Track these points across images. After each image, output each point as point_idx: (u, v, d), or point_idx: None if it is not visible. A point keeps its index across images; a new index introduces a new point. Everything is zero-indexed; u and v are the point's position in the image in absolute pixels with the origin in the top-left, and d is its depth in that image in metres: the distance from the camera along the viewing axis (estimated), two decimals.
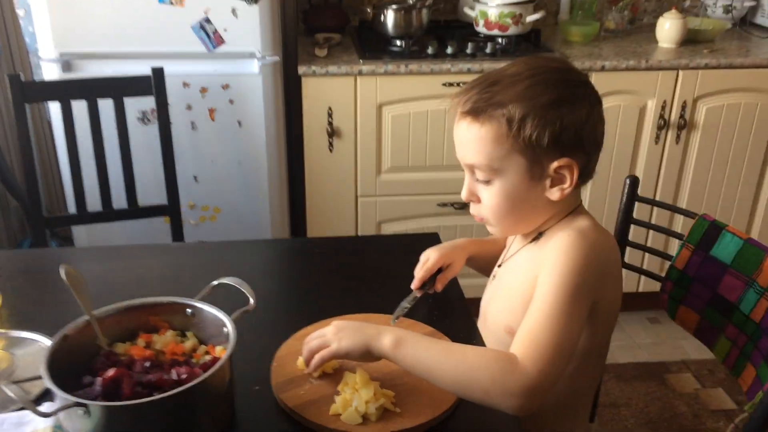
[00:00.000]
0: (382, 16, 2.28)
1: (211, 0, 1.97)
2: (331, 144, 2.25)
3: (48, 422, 0.89)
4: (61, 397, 0.80)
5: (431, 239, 1.41)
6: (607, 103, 2.21)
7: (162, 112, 1.90)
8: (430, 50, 2.24)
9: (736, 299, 1.12)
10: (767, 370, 1.01)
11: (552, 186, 0.98)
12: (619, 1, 2.63)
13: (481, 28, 2.35)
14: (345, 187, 2.32)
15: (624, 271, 1.92)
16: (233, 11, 1.99)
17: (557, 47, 2.39)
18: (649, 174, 2.40)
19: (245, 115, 2.12)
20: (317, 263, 1.37)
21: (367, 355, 0.94)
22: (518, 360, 0.90)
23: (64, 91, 1.85)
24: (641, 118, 2.33)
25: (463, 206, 2.26)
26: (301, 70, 2.15)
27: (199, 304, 0.98)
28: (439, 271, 1.19)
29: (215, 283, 1.01)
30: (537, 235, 1.05)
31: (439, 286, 1.19)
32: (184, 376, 0.87)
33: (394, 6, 2.28)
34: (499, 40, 2.31)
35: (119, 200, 1.95)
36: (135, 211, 1.96)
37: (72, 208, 1.98)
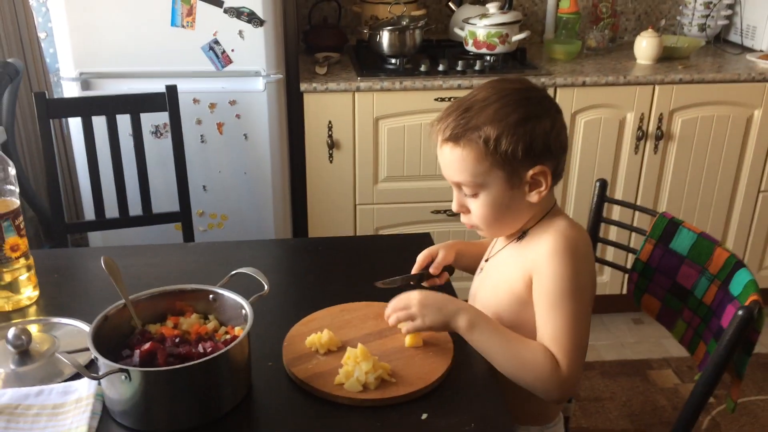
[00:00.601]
0: (378, 36, 2.42)
1: (219, 23, 2.11)
2: (331, 155, 2.39)
3: (91, 390, 1.02)
4: (106, 364, 0.94)
5: (423, 238, 1.55)
6: (588, 116, 2.42)
7: (175, 127, 2.03)
8: (423, 68, 2.39)
9: (690, 286, 1.26)
10: (714, 346, 1.15)
11: (530, 190, 1.12)
12: (600, 21, 2.80)
13: (470, 47, 2.50)
14: (344, 195, 2.45)
15: (609, 272, 2.03)
16: (240, 33, 2.14)
17: (542, 64, 2.54)
18: (630, 181, 2.54)
19: (251, 128, 2.26)
20: (321, 259, 1.50)
21: (445, 330, 1.13)
22: (559, 366, 1.08)
23: (85, 107, 1.98)
24: (621, 130, 2.47)
25: (455, 214, 2.40)
26: (303, 87, 2.29)
27: (220, 291, 1.13)
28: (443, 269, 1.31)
29: (234, 272, 1.15)
30: (521, 234, 1.19)
31: (443, 279, 1.31)
32: (209, 350, 1.02)
33: (389, 27, 2.42)
34: (488, 58, 2.46)
35: (134, 208, 2.08)
36: (149, 217, 2.09)
37: (90, 215, 2.11)
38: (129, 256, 1.49)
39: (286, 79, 2.31)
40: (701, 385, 1.09)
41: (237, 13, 2.10)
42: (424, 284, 1.29)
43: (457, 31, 2.57)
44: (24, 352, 1.12)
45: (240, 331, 1.08)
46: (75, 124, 2.14)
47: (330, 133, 2.35)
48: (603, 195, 1.44)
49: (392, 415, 1.02)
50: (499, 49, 2.45)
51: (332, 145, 2.36)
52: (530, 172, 1.10)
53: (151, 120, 2.17)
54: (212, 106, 2.21)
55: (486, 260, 1.28)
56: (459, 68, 2.41)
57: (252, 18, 2.11)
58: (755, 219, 2.65)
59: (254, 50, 2.16)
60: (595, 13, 2.85)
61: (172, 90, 2.01)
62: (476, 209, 1.15)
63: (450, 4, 2.70)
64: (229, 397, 1.03)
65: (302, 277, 1.45)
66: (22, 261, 1.26)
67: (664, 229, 1.32)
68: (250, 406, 1.05)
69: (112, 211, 2.06)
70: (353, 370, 1.06)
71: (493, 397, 1.06)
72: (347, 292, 1.32)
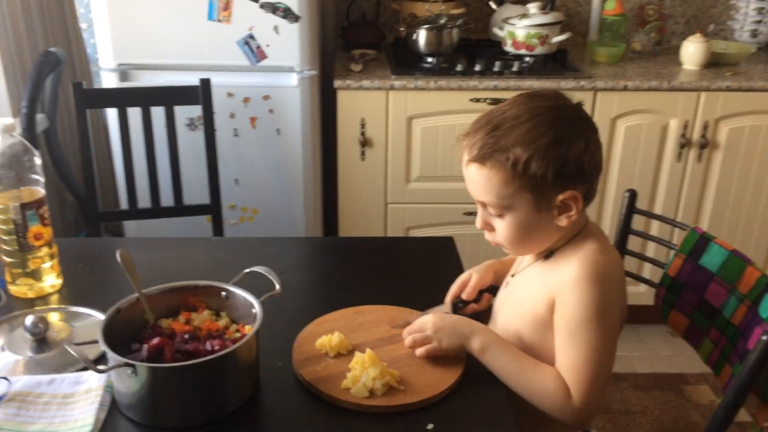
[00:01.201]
0: (415, 34, 2.40)
1: (255, 18, 2.12)
2: (363, 153, 2.38)
3: (101, 382, 1.03)
4: (113, 358, 0.95)
5: (446, 242, 1.53)
6: (630, 122, 2.35)
7: (208, 120, 2.05)
8: (459, 67, 2.36)
9: (719, 305, 1.21)
10: (739, 369, 1.10)
11: (559, 214, 1.08)
12: (646, 24, 2.71)
13: (509, 48, 2.45)
14: (375, 193, 2.44)
15: (643, 285, 2.00)
16: (275, 28, 2.14)
17: (583, 67, 2.48)
18: (671, 190, 2.46)
19: (284, 124, 2.26)
20: (341, 259, 1.49)
21: (460, 352, 1.11)
22: (571, 395, 1.05)
23: (121, 98, 2.01)
24: (663, 137, 2.40)
25: None
26: (337, 83, 2.28)
27: (232, 288, 1.13)
28: (481, 292, 1.27)
29: (247, 270, 1.14)
30: (548, 253, 1.15)
31: (484, 303, 1.27)
32: (217, 347, 1.01)
33: (426, 25, 2.40)
34: (526, 59, 2.42)
35: (167, 198, 2.11)
36: (180, 209, 2.11)
37: (124, 204, 2.15)
38: (154, 249, 1.51)
39: (320, 75, 2.30)
40: (722, 410, 1.04)
41: (273, 8, 2.10)
42: (460, 313, 1.23)
43: (496, 30, 2.53)
44: (41, 340, 1.13)
45: (250, 330, 1.07)
46: (112, 114, 2.18)
47: (363, 130, 2.34)
48: (632, 206, 1.39)
49: (398, 423, 1.01)
50: (539, 50, 2.40)
51: (364, 142, 2.35)
52: (560, 197, 1.06)
53: (186, 112, 2.19)
54: (246, 100, 2.23)
55: (512, 275, 1.25)
56: (496, 69, 2.37)
57: (287, 13, 2.11)
58: None
59: (289, 46, 2.16)
60: (641, 16, 2.77)
61: (205, 83, 2.02)
62: (501, 229, 1.11)
63: (491, 3, 2.66)
64: (235, 395, 1.03)
65: (321, 277, 1.45)
66: (45, 249, 1.28)
67: (695, 244, 1.27)
68: (257, 405, 1.05)
69: (144, 201, 2.10)
70: (360, 375, 1.05)
71: (503, 411, 1.04)
72: (364, 294, 1.31)
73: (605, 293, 1.06)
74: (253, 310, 1.07)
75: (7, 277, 1.29)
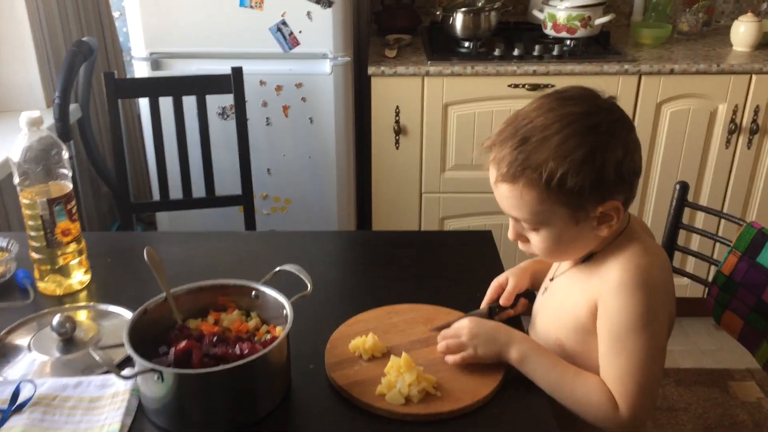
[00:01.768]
0: (451, 18, 2.33)
1: (287, 4, 2.08)
2: (397, 141, 2.32)
3: (127, 386, 1.00)
4: (139, 362, 0.92)
5: (484, 237, 1.47)
6: (676, 107, 2.25)
7: (240, 109, 2.02)
8: (497, 52, 2.28)
9: None
10: None
11: (599, 224, 1.01)
12: (694, 3, 2.59)
13: (549, 31, 2.36)
14: (410, 183, 2.38)
15: (686, 278, 1.93)
16: (308, 14, 2.09)
17: (627, 50, 2.38)
18: (719, 179, 2.36)
19: (317, 112, 2.22)
20: (375, 255, 1.45)
21: (497, 361, 1.05)
22: (618, 406, 0.99)
23: (153, 88, 1.99)
24: (711, 123, 2.29)
25: None
26: (371, 70, 2.22)
27: (262, 288, 1.08)
28: (517, 297, 1.20)
29: (277, 269, 1.10)
30: (588, 255, 1.08)
31: (519, 308, 1.21)
32: (246, 351, 0.97)
33: (463, 8, 2.32)
34: (567, 42, 2.33)
35: (198, 189, 2.09)
36: (212, 199, 2.09)
37: (156, 195, 2.14)
38: (183, 243, 1.48)
39: (355, 61, 2.26)
40: None
41: None
42: (496, 318, 1.18)
43: (536, 13, 2.44)
44: (68, 340, 1.11)
45: (281, 332, 1.03)
46: (144, 104, 2.16)
47: (397, 118, 2.28)
48: (683, 199, 1.31)
49: None
50: (581, 33, 2.31)
51: (399, 131, 2.30)
52: (599, 209, 0.99)
53: (218, 101, 2.17)
54: (278, 88, 2.19)
55: (551, 279, 1.18)
56: (536, 53, 2.29)
57: None
58: None
59: (322, 32, 2.11)
60: None
61: (237, 72, 1.99)
62: (537, 242, 1.05)
63: None
64: (265, 401, 0.99)
65: (354, 274, 1.40)
66: (73, 246, 1.25)
67: (752, 241, 1.19)
68: (288, 410, 1.01)
69: (176, 192, 2.08)
70: (396, 380, 1.00)
71: (546, 419, 0.98)
72: (398, 292, 1.26)
73: (650, 299, 0.99)
74: (284, 311, 1.03)
75: (36, 274, 1.27)
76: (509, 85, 2.23)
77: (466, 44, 2.34)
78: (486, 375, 1.04)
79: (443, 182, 2.38)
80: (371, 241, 1.55)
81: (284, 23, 2.10)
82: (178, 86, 2.00)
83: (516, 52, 2.28)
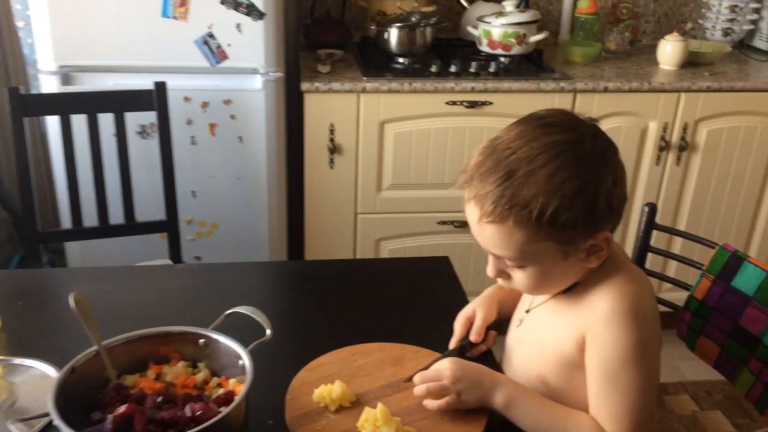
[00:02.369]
0: (386, 33, 2.25)
1: (215, 15, 1.94)
2: (332, 160, 2.22)
3: None
4: None
5: (442, 262, 1.39)
6: (609, 124, 2.25)
7: (163, 127, 1.86)
8: (433, 68, 2.22)
9: (758, 332, 1.10)
10: None
11: (589, 256, 0.94)
12: (619, 23, 2.63)
13: (484, 47, 2.33)
14: (345, 203, 2.28)
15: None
16: (238, 27, 1.96)
17: (559, 67, 2.37)
18: (650, 195, 2.38)
19: (246, 130, 2.09)
20: (325, 287, 1.33)
21: (481, 406, 0.97)
22: None
23: (65, 104, 1.81)
24: (642, 139, 2.32)
25: (464, 224, 2.24)
26: (304, 86, 2.11)
27: (213, 335, 0.95)
28: (487, 329, 1.13)
29: (229, 312, 0.97)
30: (571, 285, 1.00)
31: (490, 342, 1.13)
32: (199, 413, 0.84)
33: (398, 23, 2.25)
34: (503, 59, 2.30)
35: (116, 215, 1.91)
36: (132, 226, 1.91)
37: (67, 223, 1.93)
38: (104, 280, 1.32)
39: (285, 77, 2.13)
40: None
41: (235, 4, 1.91)
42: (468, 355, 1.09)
43: (470, 29, 2.40)
44: None
45: (236, 386, 0.90)
46: (53, 122, 1.95)
47: (332, 136, 2.18)
48: (652, 221, 1.27)
49: None
50: (516, 50, 2.28)
51: (334, 149, 2.19)
52: (590, 242, 0.92)
53: (137, 119, 1.99)
54: (205, 105, 2.04)
55: (527, 311, 1.10)
56: (472, 70, 2.24)
57: (251, 10, 1.92)
58: None
59: (253, 45, 1.98)
60: (614, 14, 2.68)
61: (161, 87, 1.84)
62: (521, 279, 0.97)
63: (462, 0, 2.53)
64: None
65: (305, 310, 1.27)
66: None
67: (725, 264, 1.15)
68: None
69: (91, 218, 1.89)
70: None
71: None
72: (357, 327, 1.16)
73: (643, 329, 0.93)
74: (240, 362, 0.90)
75: None
76: (447, 102, 2.17)
77: (401, 60, 2.27)
78: (469, 422, 0.95)
79: (379, 202, 2.30)
80: (319, 270, 1.43)
81: (211, 35, 1.95)
82: (93, 103, 1.82)
83: (453, 69, 2.22)
